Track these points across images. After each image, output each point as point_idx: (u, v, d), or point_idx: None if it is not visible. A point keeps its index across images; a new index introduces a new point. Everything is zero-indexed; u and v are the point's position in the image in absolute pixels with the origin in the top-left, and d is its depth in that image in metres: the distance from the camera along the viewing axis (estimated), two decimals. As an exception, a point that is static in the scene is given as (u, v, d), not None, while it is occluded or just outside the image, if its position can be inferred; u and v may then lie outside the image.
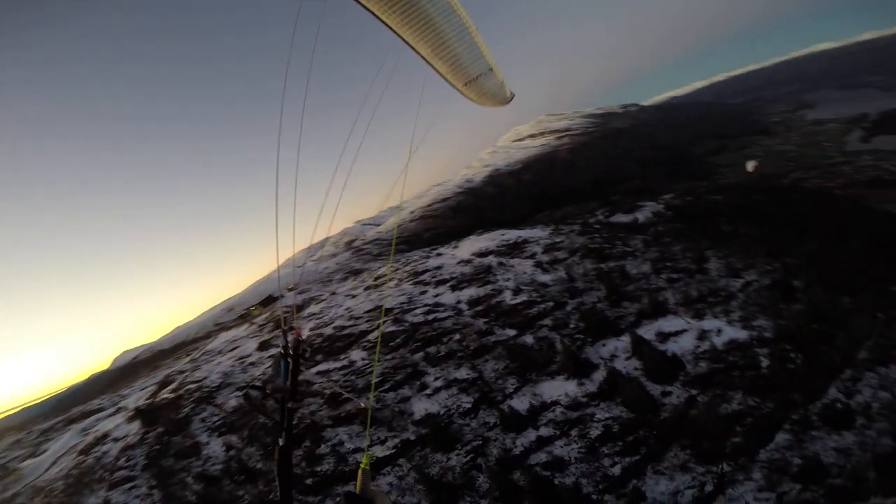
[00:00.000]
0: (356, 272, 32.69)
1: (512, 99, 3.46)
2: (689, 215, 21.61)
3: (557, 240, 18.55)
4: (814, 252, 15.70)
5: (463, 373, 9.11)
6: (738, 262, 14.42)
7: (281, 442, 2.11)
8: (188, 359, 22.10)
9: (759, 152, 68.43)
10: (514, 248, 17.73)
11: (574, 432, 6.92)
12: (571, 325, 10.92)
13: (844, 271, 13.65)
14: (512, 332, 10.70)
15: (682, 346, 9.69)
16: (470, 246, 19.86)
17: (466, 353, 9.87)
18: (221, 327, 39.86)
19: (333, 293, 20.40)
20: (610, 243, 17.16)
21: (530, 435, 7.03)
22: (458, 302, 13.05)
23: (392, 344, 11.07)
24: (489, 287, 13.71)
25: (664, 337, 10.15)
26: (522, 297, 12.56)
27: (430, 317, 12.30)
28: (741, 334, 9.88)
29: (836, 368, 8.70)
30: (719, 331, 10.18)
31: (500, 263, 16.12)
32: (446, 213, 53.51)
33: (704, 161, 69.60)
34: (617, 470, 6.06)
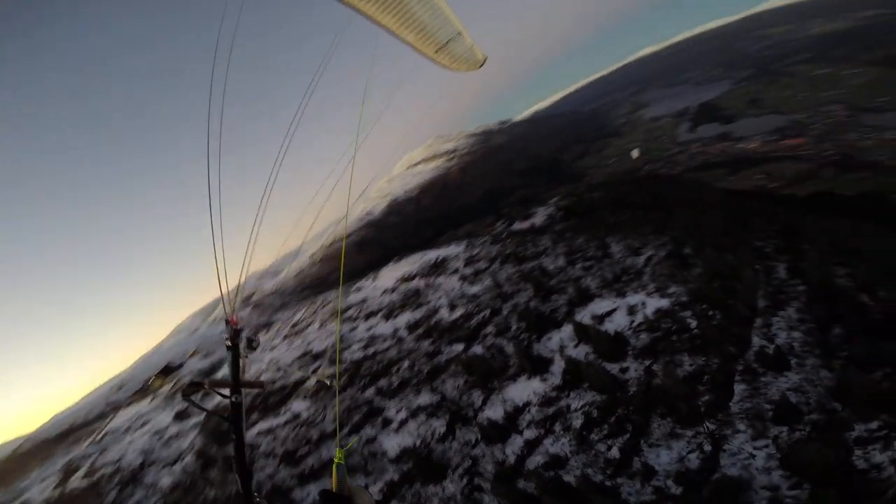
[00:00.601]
0: (265, 325, 29.89)
1: (485, 62, 3.28)
2: (577, 213, 23.70)
3: (474, 252, 18.92)
4: (688, 224, 18.07)
5: (425, 398, 8.50)
6: (634, 242, 15.91)
7: (234, 437, 2.02)
8: (89, 441, 18.53)
9: (614, 152, 78.63)
10: (437, 268, 17.60)
11: (557, 427, 6.75)
12: (514, 328, 10.94)
13: (717, 235, 15.85)
14: (460, 347, 10.37)
15: (619, 323, 10.21)
16: (391, 274, 19.31)
17: (421, 377, 9.28)
18: (115, 406, 33.74)
19: (246, 350, 18.26)
20: (522, 246, 17.96)
21: (517, 441, 6.69)
22: (396, 330, 12.41)
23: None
24: (424, 309, 13.31)
25: (600, 319, 10.62)
26: (459, 312, 12.36)
27: (370, 350, 11.46)
28: (663, 303, 10.72)
29: (748, 318, 9.84)
30: (644, 303, 10.94)
31: (427, 284, 15.87)
32: (350, 250, 51.92)
33: (573, 165, 78.01)
34: (615, 452, 5.99)
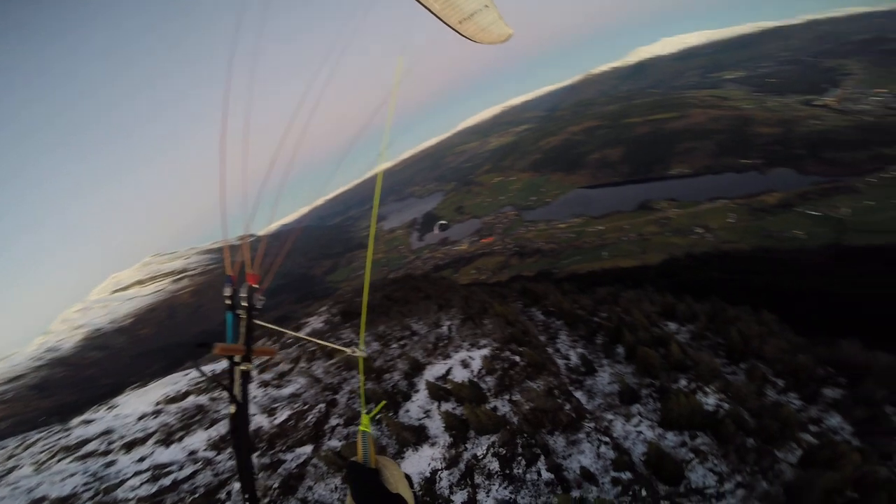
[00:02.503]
0: None
1: (509, 38, 3.34)
2: (353, 313, 24.24)
3: (263, 359, 16.42)
4: (463, 300, 20.92)
5: (296, 514, 6.24)
6: (430, 319, 17.18)
7: (232, 410, 1.77)
8: None
9: (362, 264, 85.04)
10: (217, 380, 14.23)
11: (479, 479, 6.14)
12: (367, 410, 9.77)
13: (489, 301, 18.83)
14: (309, 448, 8.37)
15: (460, 375, 10.57)
16: (140, 400, 14.37)
17: (273, 494, 6.85)
18: None
19: None
20: (325, 341, 16.77)
21: (453, 507, 5.68)
22: (194, 452, 9.00)
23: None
24: (226, 423, 10.27)
25: (443, 378, 10.75)
26: (285, 414, 10.15)
27: (166, 481, 7.80)
28: (485, 352, 11.76)
29: (544, 347, 11.95)
30: (471, 357, 11.73)
31: (214, 399, 12.53)
32: (27, 393, 35.58)
33: (325, 280, 79.51)
34: (547, 474, 5.85)
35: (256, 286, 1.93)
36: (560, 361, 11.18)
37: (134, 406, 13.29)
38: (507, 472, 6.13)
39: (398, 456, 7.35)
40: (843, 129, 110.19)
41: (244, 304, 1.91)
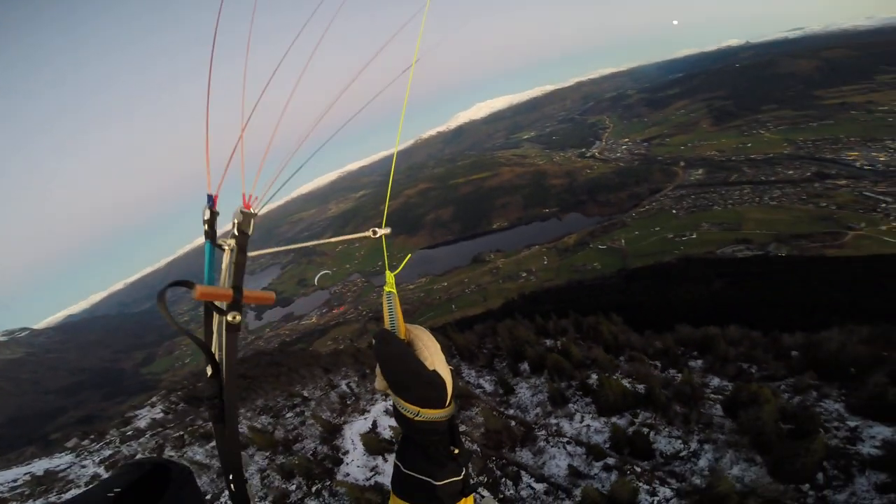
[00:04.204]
0: None
1: None
2: (202, 397, 20.98)
3: (109, 454, 13.56)
4: (353, 354, 20.02)
5: None
6: (320, 383, 16.04)
7: (209, 372, 1.26)
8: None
9: (187, 352, 72.84)
10: (45, 483, 11.49)
11: None
12: (288, 486, 8.56)
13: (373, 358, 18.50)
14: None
15: (390, 424, 10.22)
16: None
17: None
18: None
19: None
20: (190, 425, 14.28)
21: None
22: None
23: None
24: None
25: (373, 432, 10.22)
26: None
27: None
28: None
29: (459, 381, 12.34)
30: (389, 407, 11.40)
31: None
32: None
33: (141, 373, 65.29)
34: (539, 486, 6.03)
35: (252, 212, 1.32)
36: (477, 391, 11.65)
37: None
38: (501, 497, 6.17)
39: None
40: (608, 175, 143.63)
41: (235, 232, 1.31)
